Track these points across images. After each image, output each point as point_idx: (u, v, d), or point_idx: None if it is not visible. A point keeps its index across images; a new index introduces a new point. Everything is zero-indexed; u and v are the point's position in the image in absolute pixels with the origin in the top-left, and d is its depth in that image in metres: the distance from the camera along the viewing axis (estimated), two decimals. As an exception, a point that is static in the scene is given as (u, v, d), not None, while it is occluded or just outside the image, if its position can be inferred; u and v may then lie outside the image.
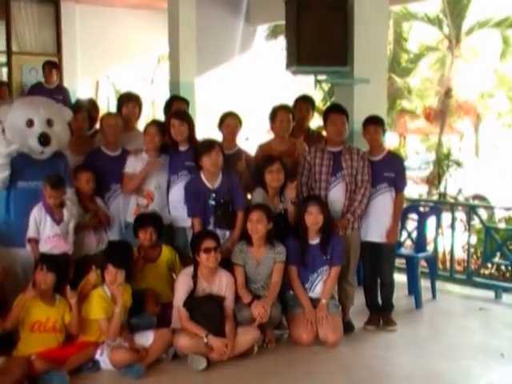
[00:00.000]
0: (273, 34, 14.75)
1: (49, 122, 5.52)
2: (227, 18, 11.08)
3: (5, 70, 11.69)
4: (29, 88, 10.02)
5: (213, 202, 5.73)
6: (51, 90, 9.16)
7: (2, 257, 5.39)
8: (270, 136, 6.56)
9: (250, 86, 12.11)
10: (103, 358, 5.03)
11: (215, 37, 10.77)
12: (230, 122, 6.32)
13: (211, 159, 5.66)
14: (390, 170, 5.98)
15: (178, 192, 5.93)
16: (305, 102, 6.87)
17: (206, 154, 5.66)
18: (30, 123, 5.47)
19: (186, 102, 6.96)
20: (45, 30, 11.96)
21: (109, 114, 6.66)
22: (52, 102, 5.85)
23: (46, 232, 5.40)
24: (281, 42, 11.15)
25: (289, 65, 7.10)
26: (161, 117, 7.13)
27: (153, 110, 14.91)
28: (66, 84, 11.73)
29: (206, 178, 5.75)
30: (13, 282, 5.35)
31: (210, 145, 5.72)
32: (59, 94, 9.01)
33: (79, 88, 12.31)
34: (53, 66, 9.64)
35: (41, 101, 5.85)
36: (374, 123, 6.02)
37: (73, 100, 9.43)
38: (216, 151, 5.67)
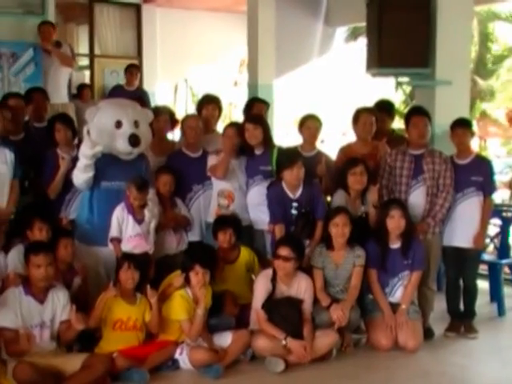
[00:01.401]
0: (352, 35, 14.67)
1: (136, 124, 5.60)
2: (306, 20, 11.03)
3: (87, 72, 11.95)
4: (109, 90, 10.16)
5: (294, 212, 5.71)
6: (131, 92, 9.28)
7: (84, 255, 5.50)
8: (346, 139, 6.50)
9: (328, 88, 12.03)
10: (183, 357, 5.07)
11: (294, 39, 10.74)
12: (310, 125, 6.27)
13: (293, 174, 5.65)
14: (478, 173, 5.85)
15: (254, 196, 5.97)
16: (379, 111, 6.67)
17: (288, 169, 5.65)
18: (118, 124, 5.54)
19: (266, 104, 6.96)
20: (126, 33, 12.17)
21: (190, 116, 6.72)
22: (136, 104, 5.95)
23: (128, 232, 5.49)
24: (360, 43, 11.05)
25: (369, 67, 7.04)
26: (239, 119, 7.15)
27: (229, 112, 15.01)
28: (145, 87, 11.92)
29: (287, 188, 5.73)
30: (95, 281, 5.45)
31: (292, 159, 5.71)
32: (138, 96, 9.10)
33: (158, 91, 12.47)
34: (136, 69, 9.80)
35: (127, 102, 5.96)
36: (462, 126, 5.92)
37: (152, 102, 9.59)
38: (298, 166, 5.66)
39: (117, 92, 9.28)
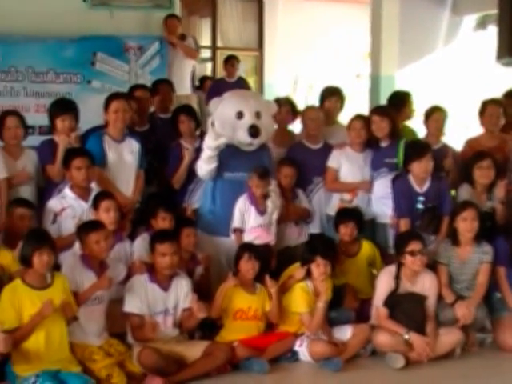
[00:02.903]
0: (481, 24, 14.13)
1: (257, 115, 5.60)
2: (432, 9, 10.77)
3: (209, 65, 12.13)
4: (211, 84, 10.05)
5: (420, 206, 5.59)
6: (232, 83, 9.19)
7: (206, 244, 5.57)
8: (469, 132, 6.31)
9: (453, 79, 11.70)
10: (302, 349, 5.04)
11: (418, 28, 10.49)
12: (437, 117, 6.14)
13: (421, 166, 5.53)
14: None
15: (378, 188, 5.89)
16: (509, 98, 6.48)
17: (417, 160, 5.53)
18: (239, 115, 5.57)
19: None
20: (248, 25, 12.27)
21: (311, 108, 6.69)
22: (259, 95, 5.98)
23: (250, 223, 5.53)
24: (490, 32, 10.67)
25: (500, 56, 6.81)
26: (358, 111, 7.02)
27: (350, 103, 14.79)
28: (265, 78, 12.00)
29: (415, 181, 5.61)
30: (217, 271, 5.52)
31: (421, 150, 5.58)
32: (239, 86, 8.97)
33: (278, 82, 12.51)
34: (235, 61, 9.73)
35: (250, 93, 6.00)
36: None
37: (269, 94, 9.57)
38: (427, 158, 5.53)
39: (218, 84, 9.11)
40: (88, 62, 7.83)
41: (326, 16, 12.41)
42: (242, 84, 9.03)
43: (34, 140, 6.14)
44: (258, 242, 5.45)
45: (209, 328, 5.15)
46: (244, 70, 10.17)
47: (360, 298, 5.57)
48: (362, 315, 5.42)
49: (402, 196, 5.60)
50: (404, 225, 5.55)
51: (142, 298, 4.78)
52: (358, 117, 6.13)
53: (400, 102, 6.61)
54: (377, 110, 6.15)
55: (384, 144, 5.94)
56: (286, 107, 6.48)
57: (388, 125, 5.88)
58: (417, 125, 6.61)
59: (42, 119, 6.65)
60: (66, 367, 4.33)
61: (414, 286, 5.22)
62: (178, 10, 8.50)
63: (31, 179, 5.61)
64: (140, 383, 4.57)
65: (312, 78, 13.74)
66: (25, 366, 4.24)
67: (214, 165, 5.63)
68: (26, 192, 5.54)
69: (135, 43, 8.04)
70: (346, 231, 5.58)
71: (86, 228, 4.78)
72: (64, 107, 5.83)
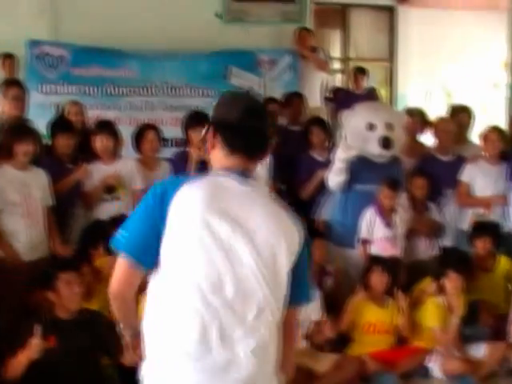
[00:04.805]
0: None
1: (389, 126, 5.57)
2: None
3: (340, 76, 12.08)
4: (339, 95, 9.78)
5: None
6: (360, 95, 9.02)
7: (336, 256, 5.55)
8: None
9: None
10: (434, 365, 4.93)
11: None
12: None
13: None
14: None
15: (516, 199, 5.68)
16: None
17: None
18: (371, 127, 5.56)
19: None
20: (379, 35, 12.13)
21: (443, 119, 6.57)
22: (390, 107, 5.94)
23: (376, 234, 5.48)
24: None
25: None
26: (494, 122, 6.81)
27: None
28: (398, 89, 11.79)
29: None
30: (346, 283, 5.48)
31: None
32: (368, 98, 8.67)
33: (411, 93, 12.29)
34: (361, 73, 9.54)
35: (381, 105, 5.97)
36: None
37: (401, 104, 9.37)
38: None
39: (347, 96, 8.68)
40: (221, 76, 7.97)
41: (462, 24, 12.06)
42: (371, 95, 8.92)
43: (169, 152, 6.35)
44: (383, 254, 5.38)
45: (338, 341, 5.12)
46: (375, 80, 10.02)
47: (496, 314, 5.38)
48: (498, 332, 5.23)
49: None
50: None
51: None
52: (494, 128, 5.98)
53: None
54: None
55: (525, 153, 5.75)
56: (416, 117, 6.41)
57: None
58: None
59: (176, 132, 6.85)
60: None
61: (554, 303, 4.99)
62: (309, 22, 8.54)
63: (167, 190, 5.78)
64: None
65: (447, 89, 13.44)
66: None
67: (343, 177, 5.61)
68: (161, 202, 5.71)
69: (267, 56, 8.13)
70: (482, 245, 5.43)
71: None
72: (197, 119, 5.97)
